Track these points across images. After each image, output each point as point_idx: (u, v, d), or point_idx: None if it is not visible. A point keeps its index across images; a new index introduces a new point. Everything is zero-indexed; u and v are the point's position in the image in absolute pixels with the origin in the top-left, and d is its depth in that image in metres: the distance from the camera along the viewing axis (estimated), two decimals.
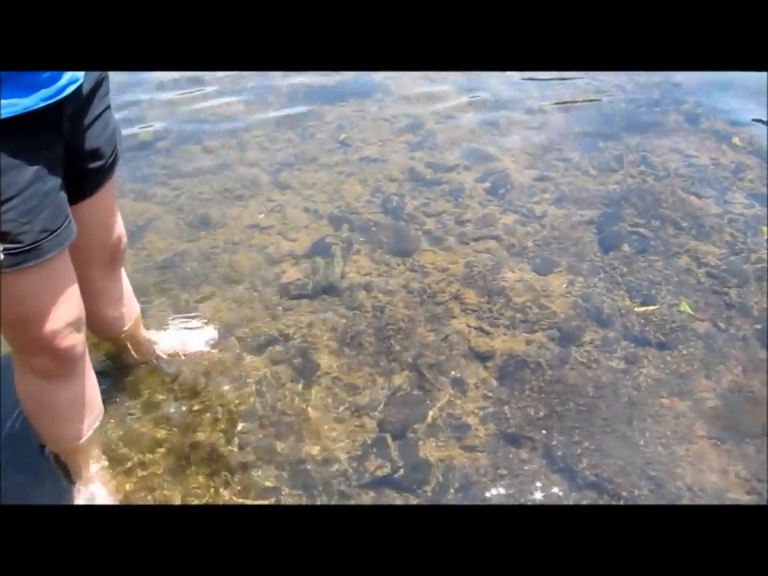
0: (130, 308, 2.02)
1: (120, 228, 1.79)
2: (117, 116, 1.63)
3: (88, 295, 1.81)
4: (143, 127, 3.29)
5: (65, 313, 1.48)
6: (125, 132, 3.08)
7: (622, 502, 1.80)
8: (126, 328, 2.03)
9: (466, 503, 1.81)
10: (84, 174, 1.53)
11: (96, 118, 1.49)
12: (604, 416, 2.01)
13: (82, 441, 1.76)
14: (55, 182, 1.37)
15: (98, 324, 1.99)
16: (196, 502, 1.81)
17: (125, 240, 1.83)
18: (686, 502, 1.80)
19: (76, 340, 1.54)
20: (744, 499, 1.81)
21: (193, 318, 2.30)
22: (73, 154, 1.44)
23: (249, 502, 1.80)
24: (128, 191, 2.84)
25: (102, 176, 1.58)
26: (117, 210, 1.76)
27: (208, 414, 2.02)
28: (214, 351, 2.19)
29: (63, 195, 1.40)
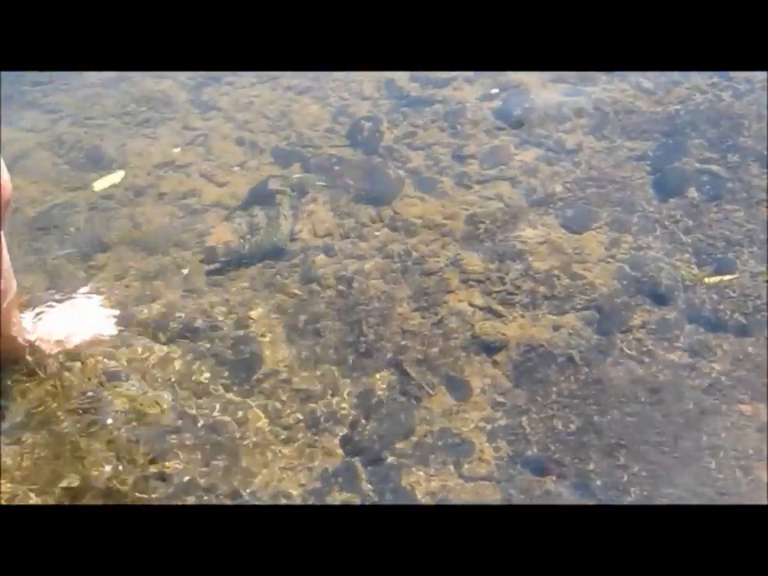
0: (6, 287, 1.98)
1: None
2: None
3: None
4: None
5: None
6: None
7: None
8: None
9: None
10: None
11: None
12: (660, 430, 2.03)
13: None
14: None
15: None
16: None
17: (8, 191, 1.75)
18: None
19: None
20: None
21: (81, 296, 2.29)
22: None
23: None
24: None
25: None
26: None
27: (104, 434, 2.00)
28: (109, 342, 2.18)
29: None
